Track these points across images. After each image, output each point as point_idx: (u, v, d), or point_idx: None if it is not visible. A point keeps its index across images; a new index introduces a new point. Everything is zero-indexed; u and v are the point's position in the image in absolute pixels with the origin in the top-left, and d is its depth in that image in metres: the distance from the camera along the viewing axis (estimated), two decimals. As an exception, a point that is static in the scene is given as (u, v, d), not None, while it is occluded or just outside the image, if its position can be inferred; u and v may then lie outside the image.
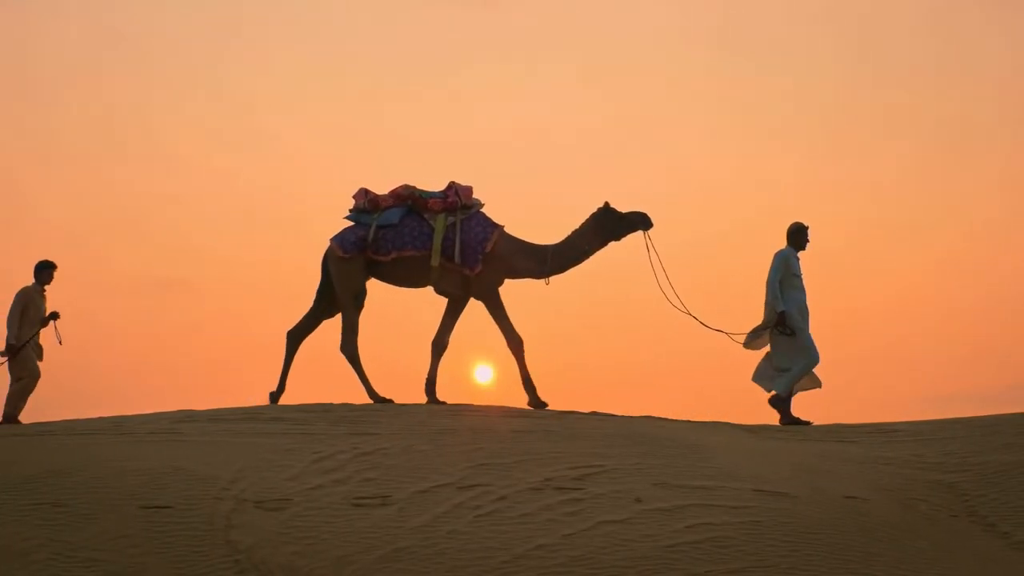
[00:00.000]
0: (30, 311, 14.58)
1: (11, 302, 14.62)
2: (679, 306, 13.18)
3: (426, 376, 13.03)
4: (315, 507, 8.95)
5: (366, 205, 13.23)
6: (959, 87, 30.01)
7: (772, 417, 13.08)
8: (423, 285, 13.24)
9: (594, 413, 12.64)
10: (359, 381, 12.98)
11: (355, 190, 13.32)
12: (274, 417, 11.40)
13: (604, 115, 30.87)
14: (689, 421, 12.72)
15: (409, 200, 13.21)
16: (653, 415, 12.93)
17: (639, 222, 13.18)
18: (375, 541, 8.49)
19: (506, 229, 13.21)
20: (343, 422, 11.10)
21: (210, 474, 9.46)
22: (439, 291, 13.23)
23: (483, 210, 13.25)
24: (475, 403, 12.76)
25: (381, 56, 31.18)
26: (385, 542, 8.48)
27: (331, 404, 12.27)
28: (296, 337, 13.26)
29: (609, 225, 13.18)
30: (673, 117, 30.73)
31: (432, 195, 13.21)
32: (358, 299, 13.13)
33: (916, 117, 29.75)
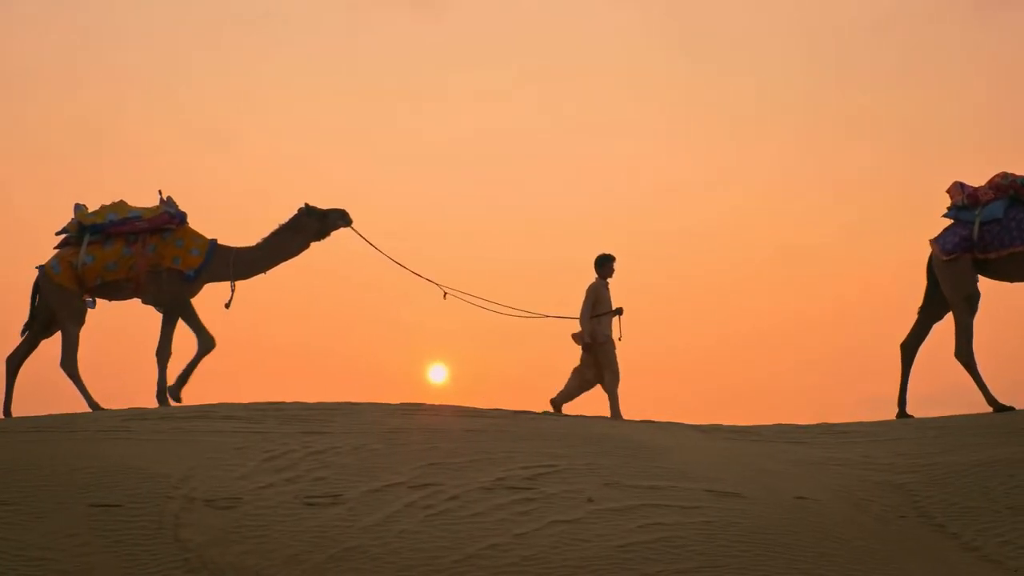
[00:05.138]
0: (599, 305, 14.44)
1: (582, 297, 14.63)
2: None
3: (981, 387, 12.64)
4: (266, 506, 8.91)
5: (965, 201, 12.62)
6: (924, 89, 30.22)
7: (727, 417, 13.13)
8: None
9: (547, 413, 12.67)
10: (977, 387, 12.59)
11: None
12: (225, 416, 11.34)
13: (566, 115, 30.95)
14: (642, 421, 12.75)
15: (1011, 190, 12.56)
16: (606, 415, 12.98)
17: None
18: (326, 540, 8.46)
19: None
20: (295, 420, 11.06)
21: (160, 472, 9.41)
22: None
23: None
24: (429, 402, 12.74)
25: (343, 59, 31.19)
26: (336, 541, 8.44)
27: (283, 403, 12.23)
28: (909, 349, 13.03)
29: None
30: (636, 118, 30.82)
31: None
32: (971, 301, 12.62)
33: (880, 119, 29.94)
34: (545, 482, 9.31)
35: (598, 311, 14.40)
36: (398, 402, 12.56)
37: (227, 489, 9.16)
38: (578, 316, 14.42)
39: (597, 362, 14.37)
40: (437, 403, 12.80)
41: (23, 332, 13.55)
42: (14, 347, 13.58)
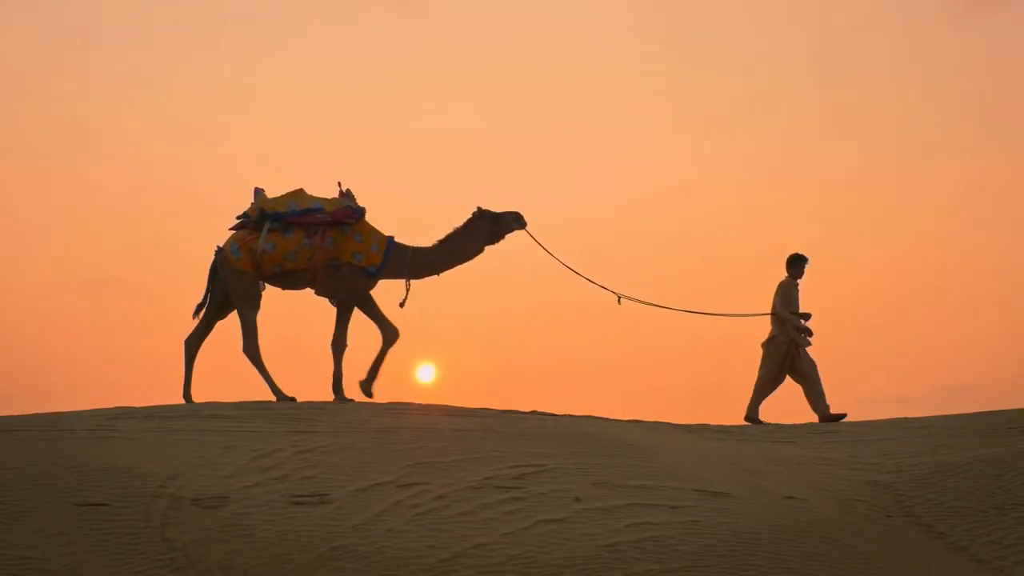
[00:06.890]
0: (788, 304, 14.32)
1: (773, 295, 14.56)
2: None
3: None
4: (253, 505, 8.89)
5: None
6: (910, 88, 30.30)
7: (712, 417, 13.13)
8: None
9: (535, 412, 12.64)
10: None
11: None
12: (212, 414, 11.32)
13: (552, 115, 30.97)
14: (630, 421, 12.74)
15: None
16: (594, 414, 12.96)
17: None
18: (313, 539, 8.45)
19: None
20: (282, 419, 11.05)
21: (147, 471, 9.39)
22: None
23: None
24: (417, 401, 12.73)
25: (331, 59, 31.24)
26: (323, 540, 8.43)
27: (270, 401, 12.22)
28: None
29: None
30: (622, 119, 30.86)
31: None
32: None
33: (866, 118, 30.01)
34: (533, 481, 9.31)
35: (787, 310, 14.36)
36: (386, 401, 12.56)
37: (214, 488, 9.14)
38: (755, 314, 14.38)
39: (790, 359, 14.27)
40: (425, 402, 12.80)
41: (195, 314, 13.40)
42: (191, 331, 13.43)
